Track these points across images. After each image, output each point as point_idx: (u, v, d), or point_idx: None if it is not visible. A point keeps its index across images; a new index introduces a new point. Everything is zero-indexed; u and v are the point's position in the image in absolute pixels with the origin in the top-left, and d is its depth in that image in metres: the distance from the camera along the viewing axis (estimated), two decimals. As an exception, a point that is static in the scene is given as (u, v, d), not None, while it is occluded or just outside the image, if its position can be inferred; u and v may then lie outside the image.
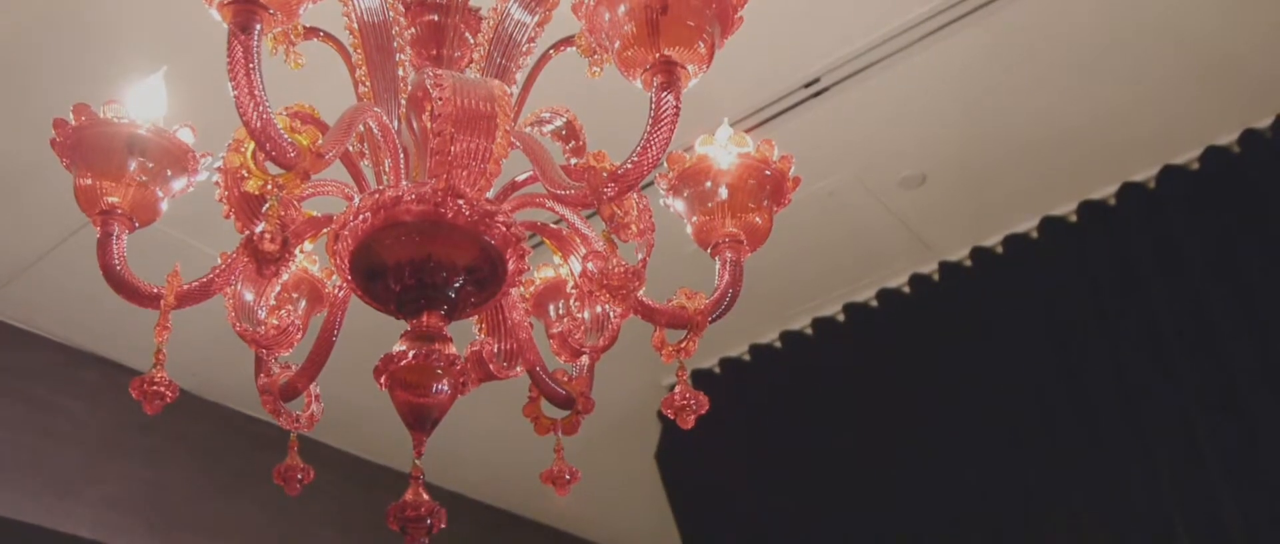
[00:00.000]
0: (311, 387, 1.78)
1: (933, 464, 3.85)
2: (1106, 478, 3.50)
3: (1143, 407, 3.48)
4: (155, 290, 1.61)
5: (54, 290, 3.91)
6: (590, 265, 1.55)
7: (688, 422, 1.59)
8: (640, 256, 1.60)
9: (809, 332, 4.29)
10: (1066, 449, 3.61)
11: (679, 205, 1.64)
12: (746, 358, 4.42)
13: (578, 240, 1.69)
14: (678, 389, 1.58)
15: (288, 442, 1.79)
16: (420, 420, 1.51)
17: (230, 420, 4.59)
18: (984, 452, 3.76)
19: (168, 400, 1.59)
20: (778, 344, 4.36)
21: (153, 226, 1.67)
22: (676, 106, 1.46)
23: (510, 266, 1.52)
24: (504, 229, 1.49)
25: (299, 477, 1.76)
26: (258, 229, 1.40)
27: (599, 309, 1.72)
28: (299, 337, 1.72)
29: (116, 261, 1.60)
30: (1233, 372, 3.34)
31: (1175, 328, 3.47)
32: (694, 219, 1.64)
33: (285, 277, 1.76)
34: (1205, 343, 3.41)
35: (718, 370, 4.44)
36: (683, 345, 1.59)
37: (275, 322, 1.68)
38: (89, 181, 1.60)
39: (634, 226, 1.60)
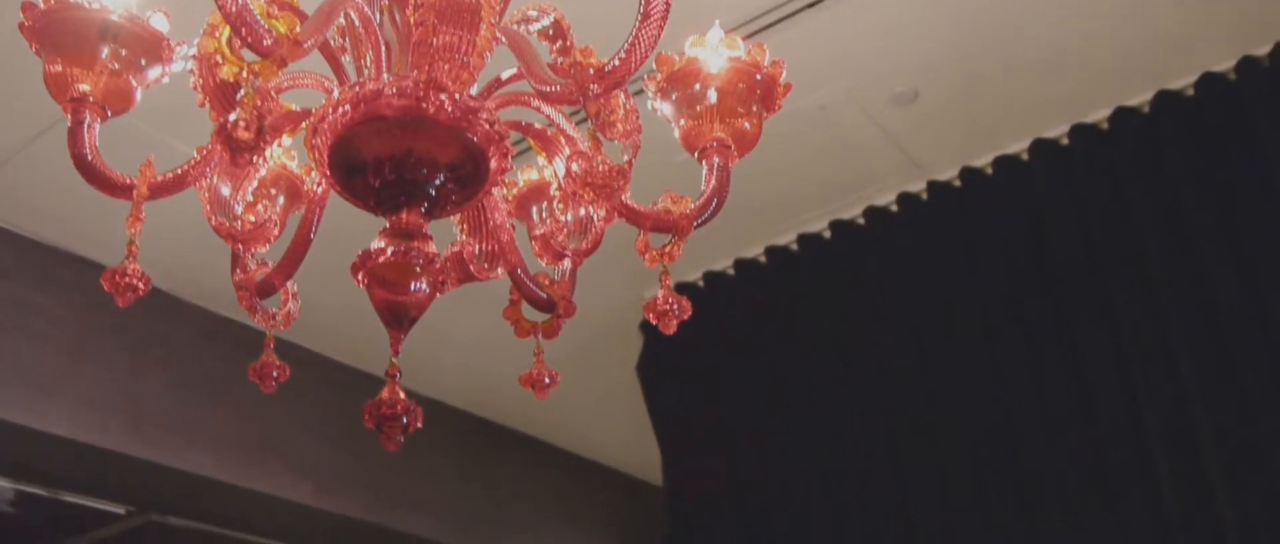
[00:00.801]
0: (289, 285, 1.75)
1: (915, 382, 3.85)
2: (1085, 397, 3.50)
3: (1123, 329, 3.48)
4: (128, 181, 1.57)
5: (29, 187, 3.86)
6: (575, 165, 1.52)
7: (670, 327, 1.57)
8: (626, 158, 1.57)
9: (794, 247, 4.27)
10: (1046, 368, 3.61)
11: (666, 109, 1.60)
12: (731, 272, 4.40)
13: (562, 141, 1.66)
14: (660, 294, 1.56)
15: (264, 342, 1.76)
16: (398, 318, 1.49)
17: (208, 323, 4.56)
18: (965, 371, 3.76)
19: (140, 293, 1.56)
20: (762, 259, 4.34)
21: (126, 122, 1.63)
22: (666, 3, 1.42)
23: (493, 165, 1.49)
24: (487, 126, 1.46)
25: (274, 375, 1.74)
26: (232, 117, 1.37)
27: (583, 212, 1.70)
28: (276, 233, 1.69)
29: (88, 151, 1.56)
30: (1217, 298, 3.34)
31: (1162, 255, 3.46)
32: (682, 123, 1.60)
33: (262, 172, 1.72)
34: (1191, 270, 3.40)
35: (701, 284, 4.42)
36: (667, 250, 1.57)
37: (252, 217, 1.65)
38: (59, 68, 1.55)
39: (620, 126, 1.57)
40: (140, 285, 1.53)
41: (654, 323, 1.58)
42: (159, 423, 4.37)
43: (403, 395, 1.51)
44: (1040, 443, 3.56)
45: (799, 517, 3.99)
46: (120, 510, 5.11)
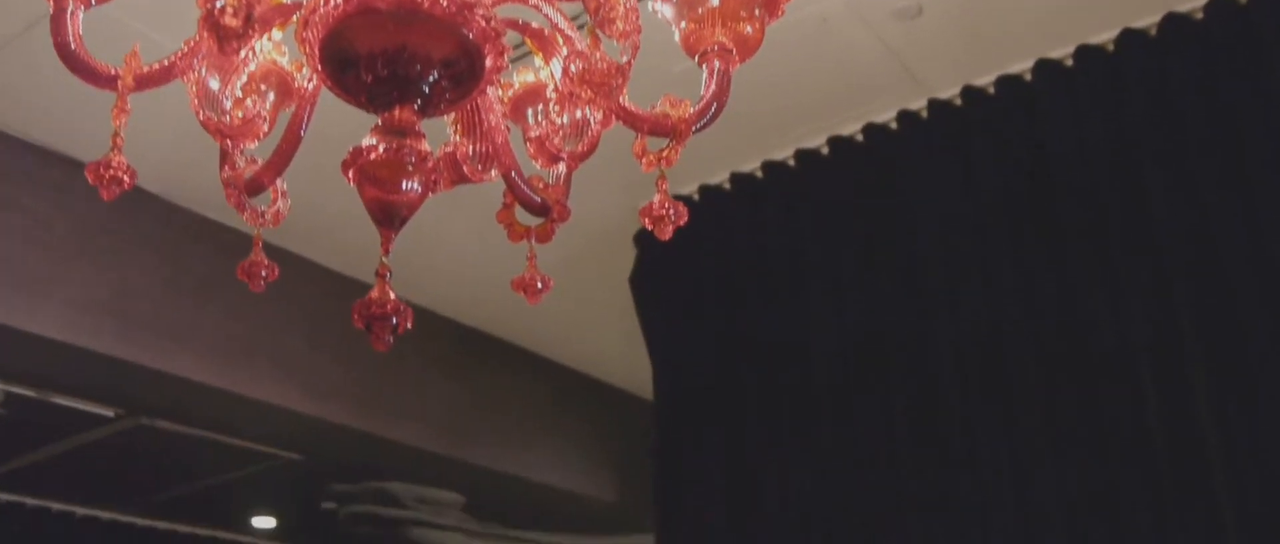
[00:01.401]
0: (278, 183, 1.72)
1: (907, 300, 3.83)
2: (1076, 319, 3.48)
3: (1117, 255, 3.45)
4: (113, 71, 1.53)
5: (16, 84, 3.80)
6: (573, 65, 1.48)
7: (665, 232, 1.54)
8: (625, 59, 1.53)
9: (791, 162, 4.23)
10: (1038, 291, 3.58)
11: (667, 10, 1.56)
12: (726, 186, 4.36)
13: (560, 41, 1.62)
14: (657, 199, 1.53)
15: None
16: (388, 217, 1.45)
17: (197, 225, 4.53)
18: (956, 289, 3.74)
19: (125, 187, 1.52)
20: (759, 174, 4.30)
21: (113, 18, 1.58)
22: (670, -103, 1.38)
23: (488, 63, 1.45)
24: (483, 23, 1.42)
25: (263, 274, 1.70)
26: (219, 2, 1.32)
27: (579, 114, 1.66)
28: (266, 129, 1.65)
29: (71, 40, 1.51)
30: (1212, 223, 3.31)
31: (1162, 182, 3.42)
32: (682, 25, 1.56)
33: (251, 66, 1.68)
34: (1190, 199, 3.36)
35: (697, 197, 4.38)
36: (664, 154, 1.53)
37: (241, 112, 1.61)
38: (40, -46, 1.50)
39: (619, 25, 1.52)
40: (125, 178, 1.49)
41: (649, 228, 1.55)
42: (148, 326, 4.35)
43: (393, 295, 1.48)
44: (1029, 363, 3.55)
45: (789, 430, 3.99)
46: (110, 413, 5.12)
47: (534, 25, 1.66)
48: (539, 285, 1.71)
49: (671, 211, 1.54)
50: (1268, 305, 3.17)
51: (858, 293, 3.97)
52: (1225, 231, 3.29)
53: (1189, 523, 3.15)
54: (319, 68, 1.45)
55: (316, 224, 4.35)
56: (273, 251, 1.71)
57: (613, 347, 5.35)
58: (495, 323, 5.51)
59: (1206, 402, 3.18)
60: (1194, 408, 3.21)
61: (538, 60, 1.73)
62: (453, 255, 4.60)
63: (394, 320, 1.47)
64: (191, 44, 1.54)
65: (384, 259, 1.49)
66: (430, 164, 1.44)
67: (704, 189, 4.39)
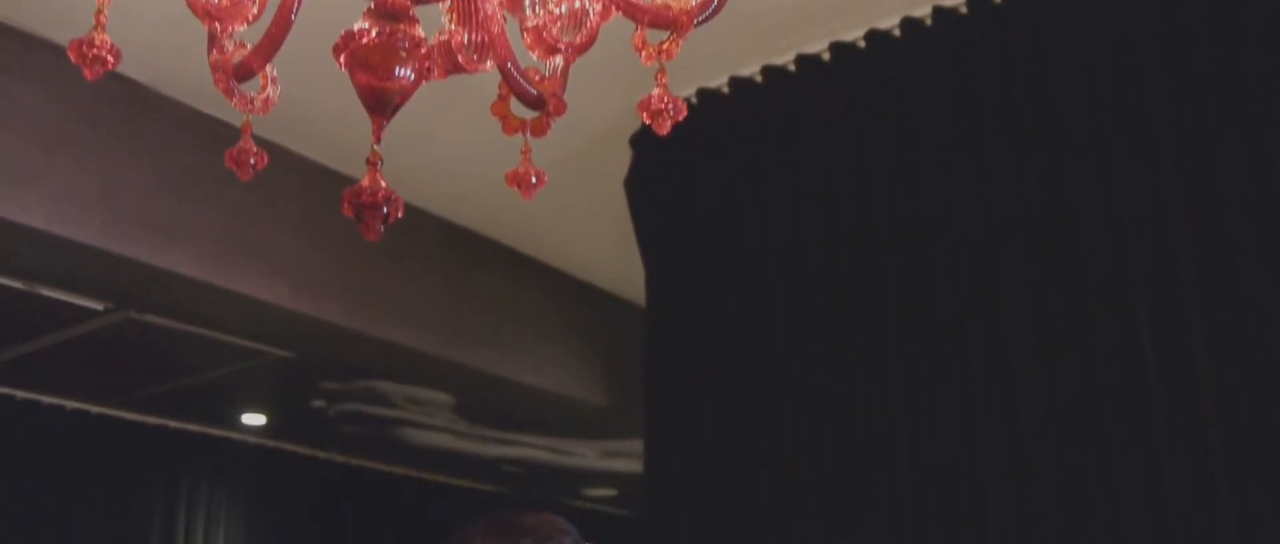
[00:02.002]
0: (268, 69, 1.67)
1: (904, 207, 3.80)
2: (1071, 226, 3.46)
3: (1118, 168, 3.42)
4: (96, -53, 1.48)
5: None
6: (573, -50, 1.43)
7: (664, 127, 1.50)
8: (627, -53, 1.48)
9: (792, 68, 4.16)
10: (1035, 202, 3.55)
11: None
12: (725, 90, 4.30)
13: (560, -74, 1.56)
14: (656, 93, 1.49)
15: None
16: (380, 104, 1.42)
17: (187, 117, 4.46)
18: (953, 198, 3.71)
19: (109, 66, 1.47)
20: (758, 78, 4.24)
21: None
22: None
23: (485, -54, 1.40)
24: (480, -97, 1.37)
25: (252, 162, 1.66)
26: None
27: (578, 3, 1.61)
28: (255, 11, 1.60)
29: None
30: (1215, 141, 3.27)
31: (1165, 100, 3.37)
32: (685, -87, 1.50)
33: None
34: (1195, 111, 3.32)
35: (695, 100, 4.33)
36: (665, 47, 1.49)
37: (229, -7, 1.56)
38: None
39: (623, -91, 1.47)
40: (109, 58, 1.44)
41: (647, 123, 1.51)
42: (137, 219, 4.31)
43: (383, 183, 1.45)
44: (1023, 274, 3.53)
45: (781, 336, 3.98)
46: (99, 306, 5.10)
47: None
48: (533, 180, 1.68)
49: (670, 106, 1.50)
50: (1263, 225, 3.16)
51: (852, 200, 3.94)
52: (1226, 150, 3.25)
53: (1176, 440, 3.16)
54: (309, -52, 1.40)
55: (308, 118, 4.29)
56: (263, 145, 1.67)
57: (605, 250, 5.32)
58: (487, 223, 5.48)
59: (1198, 320, 3.18)
60: (1186, 327, 3.20)
61: (537, -53, 1.67)
62: (445, 153, 4.55)
63: (385, 209, 1.44)
64: (177, -80, 1.49)
65: (375, 147, 1.46)
66: (423, 50, 1.40)
67: (702, 93, 4.33)
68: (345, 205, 1.44)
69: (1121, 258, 3.36)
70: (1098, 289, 3.40)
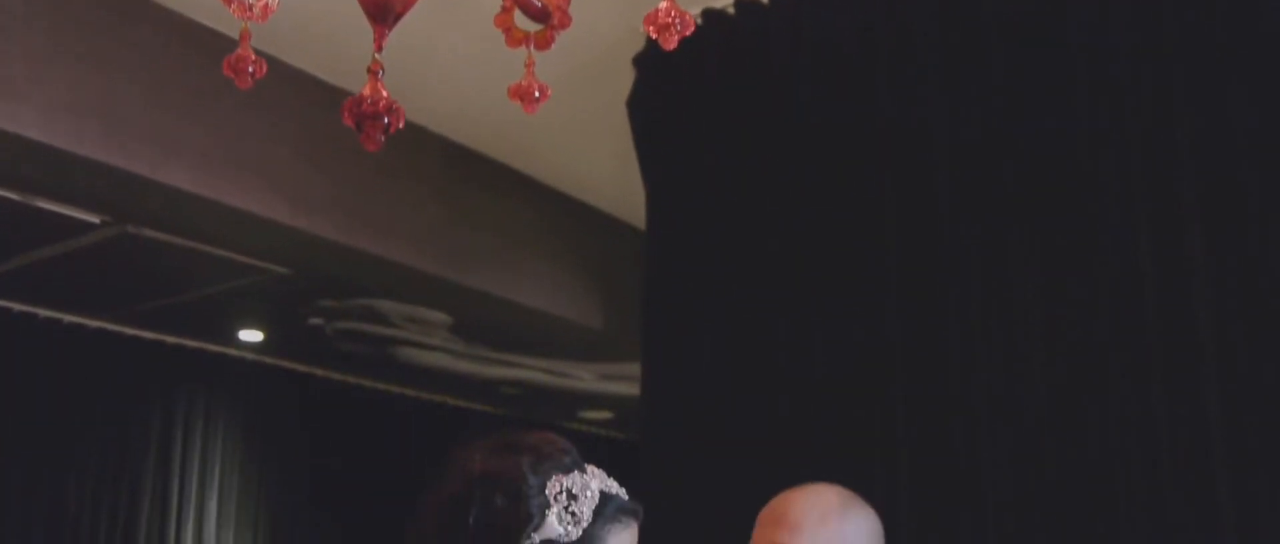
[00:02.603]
0: (266, -25, 1.63)
1: (908, 127, 3.75)
2: (1074, 138, 3.43)
3: (1124, 80, 3.37)
4: None
5: None
6: None
7: (670, 41, 1.47)
8: None
9: (797, -11, 4.11)
10: (1037, 114, 3.50)
11: None
12: (730, 10, 4.24)
13: None
14: (663, 6, 1.46)
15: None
16: (382, 12, 1.38)
17: (185, 30, 4.41)
18: (957, 112, 3.66)
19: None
20: (765, 0, 4.17)
21: None
22: None
23: None
24: None
25: (251, 69, 1.63)
26: None
27: (586, -87, 1.57)
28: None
29: None
30: (1222, 50, 3.22)
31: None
32: None
33: None
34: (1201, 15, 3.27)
35: (700, 21, 4.26)
36: (672, -41, 1.45)
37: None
38: None
39: None
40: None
41: (653, 37, 1.47)
42: (135, 132, 4.27)
43: (385, 93, 1.42)
44: (1021, 188, 3.50)
45: (782, 262, 3.96)
46: (96, 220, 5.07)
47: None
48: (536, 94, 1.64)
49: (677, 21, 1.46)
50: (1270, 149, 3.12)
51: (855, 122, 3.89)
52: (1237, 72, 3.21)
53: (1174, 370, 3.15)
54: None
55: (307, 31, 4.23)
56: (263, 58, 1.64)
57: (606, 173, 5.29)
58: (488, 142, 5.43)
59: (1201, 246, 3.16)
60: (1189, 255, 3.18)
61: None
62: (446, 68, 4.49)
63: (386, 119, 1.41)
64: None
65: (377, 56, 1.42)
66: (427, -44, 1.36)
67: (707, 12, 4.26)
68: (345, 115, 1.41)
69: (1124, 181, 3.33)
70: (1099, 213, 3.37)
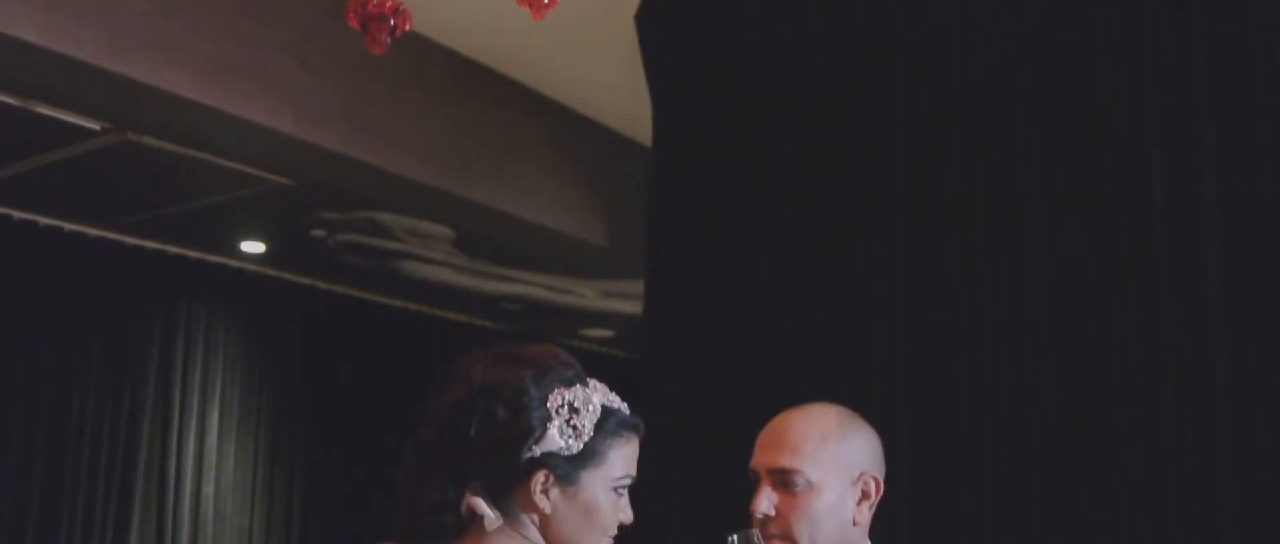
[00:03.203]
0: None
1: (919, 42, 3.69)
2: (1090, 76, 3.38)
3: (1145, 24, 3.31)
4: None
5: None
6: None
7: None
8: None
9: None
10: (1050, 51, 3.45)
11: None
12: (741, -75, 4.16)
13: None
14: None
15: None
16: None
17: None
18: (970, 48, 3.61)
19: None
20: (776, -85, 4.09)
21: None
22: None
23: None
24: None
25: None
26: None
27: None
28: None
29: None
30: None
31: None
32: None
33: None
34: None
35: (709, -65, 4.19)
36: None
37: None
38: None
39: None
40: None
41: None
42: (134, 36, 4.21)
43: (390, -8, 1.37)
44: (1032, 109, 3.45)
45: (789, 183, 3.92)
46: (96, 126, 5.02)
47: None
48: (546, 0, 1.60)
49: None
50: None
51: (865, 39, 3.83)
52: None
53: (1178, 301, 3.13)
54: None
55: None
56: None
57: (613, 88, 5.23)
58: (494, 54, 5.36)
59: (1212, 179, 3.12)
60: (1200, 188, 3.14)
61: None
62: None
63: (392, 21, 1.36)
64: None
65: (381, -45, 1.37)
66: None
67: (718, -74, 4.19)
68: (350, 17, 1.37)
69: (1138, 109, 3.28)
70: (1111, 141, 3.32)
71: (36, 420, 6.26)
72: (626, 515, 1.60)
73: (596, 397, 1.56)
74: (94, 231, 6.54)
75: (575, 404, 1.53)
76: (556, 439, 1.51)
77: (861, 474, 1.95)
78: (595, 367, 1.61)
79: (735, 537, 1.75)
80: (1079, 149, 3.40)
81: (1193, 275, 3.12)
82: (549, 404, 1.51)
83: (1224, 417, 3.01)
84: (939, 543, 3.38)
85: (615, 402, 1.58)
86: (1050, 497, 3.26)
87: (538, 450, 1.50)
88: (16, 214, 6.22)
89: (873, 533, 1.99)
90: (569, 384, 1.54)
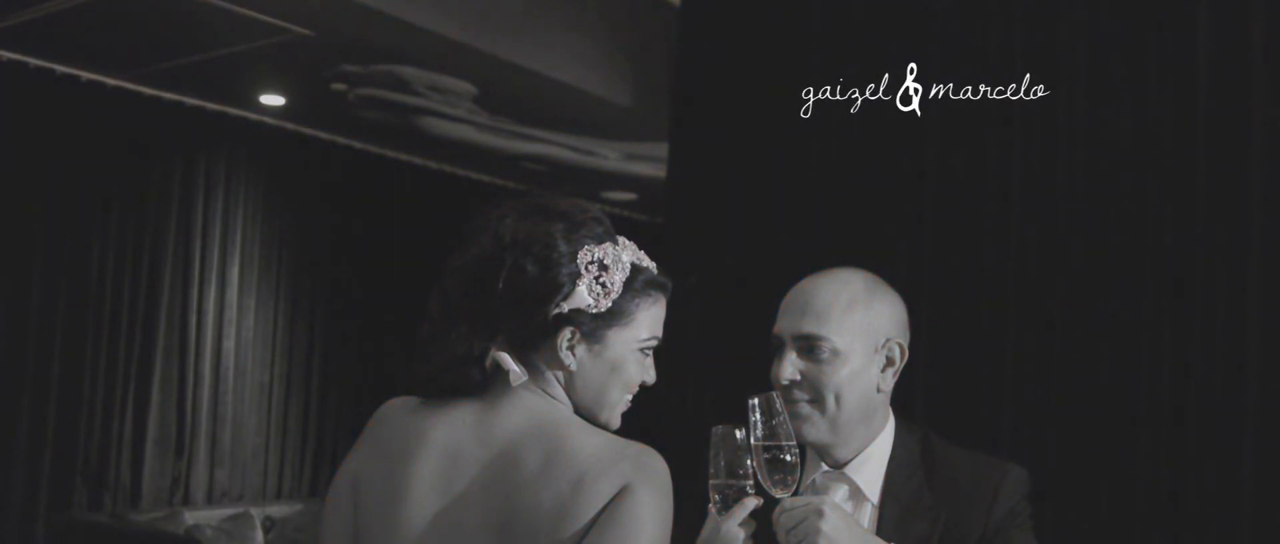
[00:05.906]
0: None
1: None
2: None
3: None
4: None
5: None
6: None
7: None
8: None
9: None
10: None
11: None
12: None
13: None
14: None
15: None
16: None
17: None
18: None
19: None
20: None
21: None
22: None
23: None
24: None
25: None
26: None
27: None
28: None
29: None
30: None
31: None
32: None
33: None
34: None
35: None
36: None
37: None
38: None
39: None
40: None
41: None
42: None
43: None
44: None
45: (818, 47, 3.82)
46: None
47: None
48: None
49: None
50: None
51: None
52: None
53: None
54: None
55: None
56: None
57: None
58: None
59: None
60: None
61: None
62: None
63: None
64: None
65: None
66: None
67: None
68: None
69: None
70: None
71: (60, 271, 6.27)
72: (650, 376, 1.57)
73: (626, 255, 1.52)
74: (112, 81, 6.47)
75: (605, 261, 1.49)
76: (584, 296, 1.47)
77: (887, 340, 1.92)
78: (618, 230, 1.56)
79: (756, 400, 1.73)
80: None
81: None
82: (578, 261, 1.48)
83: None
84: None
85: (644, 260, 1.55)
86: (1069, 362, 3.25)
87: (566, 307, 1.47)
88: (32, 61, 6.14)
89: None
90: (599, 241, 1.50)
